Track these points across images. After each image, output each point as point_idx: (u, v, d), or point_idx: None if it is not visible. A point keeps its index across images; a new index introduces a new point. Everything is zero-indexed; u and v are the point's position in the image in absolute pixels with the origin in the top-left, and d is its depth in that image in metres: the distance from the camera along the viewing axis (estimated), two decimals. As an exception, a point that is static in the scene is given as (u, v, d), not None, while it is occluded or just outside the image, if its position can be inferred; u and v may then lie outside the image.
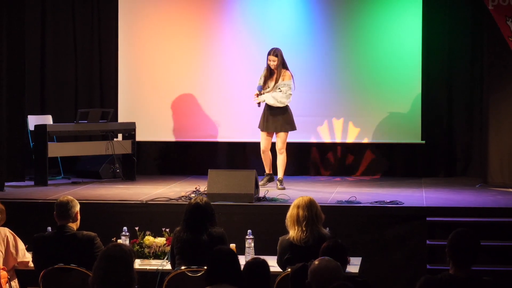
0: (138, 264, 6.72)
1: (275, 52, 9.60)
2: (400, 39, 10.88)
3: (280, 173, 9.79)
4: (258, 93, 9.64)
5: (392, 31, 10.90)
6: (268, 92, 9.61)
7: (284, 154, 9.76)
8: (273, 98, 9.59)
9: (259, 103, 9.67)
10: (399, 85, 10.88)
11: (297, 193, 8.97)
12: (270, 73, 9.67)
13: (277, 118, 9.68)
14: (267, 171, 9.90)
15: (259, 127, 9.81)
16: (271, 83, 9.64)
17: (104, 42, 11.55)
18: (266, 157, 9.85)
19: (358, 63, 10.99)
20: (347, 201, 8.58)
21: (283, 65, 9.64)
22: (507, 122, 9.99)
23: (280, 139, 9.74)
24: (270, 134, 9.78)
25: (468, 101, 11.01)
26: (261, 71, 9.76)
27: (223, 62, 11.17)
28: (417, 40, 10.82)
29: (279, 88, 9.57)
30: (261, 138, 9.82)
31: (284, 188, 9.62)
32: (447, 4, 11.00)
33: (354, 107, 11.03)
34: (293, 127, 9.77)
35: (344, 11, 11.03)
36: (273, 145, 9.91)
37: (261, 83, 9.70)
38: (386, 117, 10.93)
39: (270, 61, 9.61)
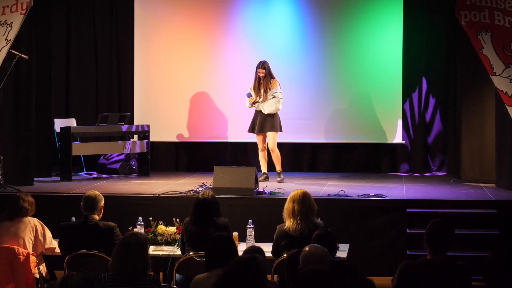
0: (152, 250, 6.71)
1: (263, 65, 9.75)
2: (383, 52, 10.88)
3: (278, 167, 9.83)
4: (253, 100, 9.73)
5: (376, 44, 10.89)
6: (262, 101, 9.68)
7: (276, 151, 9.82)
8: (270, 106, 9.70)
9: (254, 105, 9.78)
10: (382, 92, 10.88)
11: (293, 186, 8.99)
12: (259, 83, 9.75)
13: (266, 121, 9.75)
14: (263, 170, 9.94)
15: (249, 131, 9.90)
16: (261, 91, 9.72)
17: (122, 53, 11.55)
18: (262, 157, 9.91)
19: (347, 72, 10.98)
20: (337, 194, 8.59)
21: (270, 75, 9.75)
22: (477, 125, 10.01)
23: (271, 139, 9.78)
24: (263, 135, 9.83)
25: (443, 106, 11.01)
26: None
27: (227, 72, 11.17)
28: (398, 52, 10.82)
29: (273, 95, 9.66)
30: (257, 140, 9.89)
31: (283, 180, 9.65)
32: (425, 19, 11.00)
33: (343, 111, 11.01)
34: (280, 129, 9.82)
35: (334, 26, 11.01)
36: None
37: (251, 91, 9.79)
38: (371, 120, 10.92)
39: (259, 73, 9.74)
